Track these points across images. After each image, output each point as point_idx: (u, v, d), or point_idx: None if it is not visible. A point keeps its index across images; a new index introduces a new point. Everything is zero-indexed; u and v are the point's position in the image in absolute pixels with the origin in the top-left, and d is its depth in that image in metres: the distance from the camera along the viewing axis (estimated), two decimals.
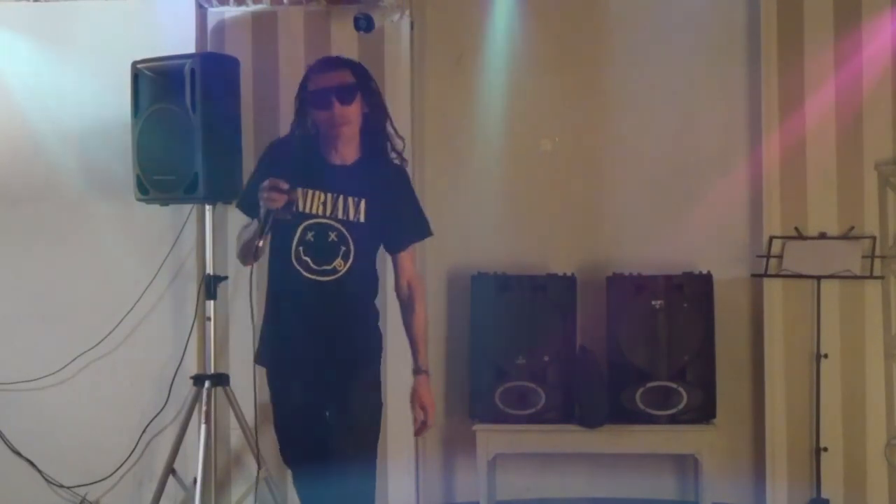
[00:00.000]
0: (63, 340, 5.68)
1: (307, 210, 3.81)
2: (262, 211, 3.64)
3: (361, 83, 3.85)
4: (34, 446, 5.72)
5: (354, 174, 3.84)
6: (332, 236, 3.80)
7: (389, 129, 3.93)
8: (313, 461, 3.80)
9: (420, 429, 3.94)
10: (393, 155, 3.93)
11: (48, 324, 5.73)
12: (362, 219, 3.81)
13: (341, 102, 3.79)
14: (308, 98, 3.85)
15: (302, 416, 3.85)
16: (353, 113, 3.81)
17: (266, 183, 3.63)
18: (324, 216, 3.81)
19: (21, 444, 5.72)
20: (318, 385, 3.81)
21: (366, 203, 3.82)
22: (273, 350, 3.92)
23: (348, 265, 3.79)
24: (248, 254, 3.77)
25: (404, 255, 3.96)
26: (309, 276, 3.79)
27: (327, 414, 3.79)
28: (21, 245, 5.79)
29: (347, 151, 3.86)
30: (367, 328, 3.91)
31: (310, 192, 3.81)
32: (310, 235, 3.81)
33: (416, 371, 3.94)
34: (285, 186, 3.62)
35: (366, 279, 3.89)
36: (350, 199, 3.81)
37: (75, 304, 5.72)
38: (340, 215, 3.81)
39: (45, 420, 5.72)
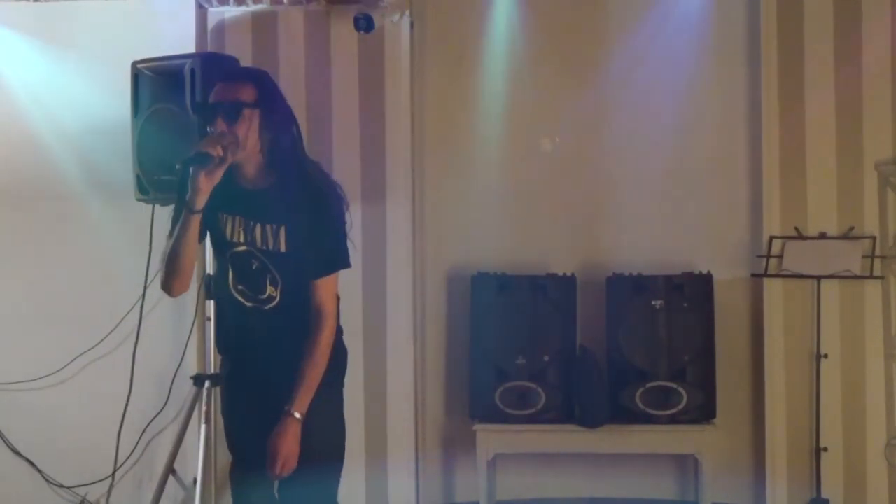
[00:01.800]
0: (63, 340, 5.68)
1: (230, 237, 3.56)
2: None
3: (263, 102, 3.49)
4: (34, 446, 5.72)
5: (269, 199, 3.51)
6: (255, 264, 3.54)
7: (301, 154, 3.57)
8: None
9: (272, 474, 3.47)
10: (318, 178, 3.56)
11: (48, 324, 5.72)
12: (283, 248, 3.51)
13: (226, 121, 3.45)
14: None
15: (254, 443, 3.53)
16: (242, 133, 3.44)
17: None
18: (243, 243, 3.54)
19: (21, 444, 5.72)
20: (269, 411, 3.51)
21: (285, 231, 3.51)
22: (227, 382, 3.74)
23: (280, 291, 3.53)
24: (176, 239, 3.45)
25: (318, 284, 3.51)
26: (250, 304, 3.57)
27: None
28: (21, 245, 5.79)
29: (253, 174, 3.53)
30: None
31: (227, 217, 3.55)
32: (238, 264, 3.57)
33: (285, 412, 3.44)
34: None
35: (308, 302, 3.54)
36: (268, 227, 3.52)
37: (75, 304, 5.72)
38: (259, 244, 3.52)
39: (45, 420, 5.72)
